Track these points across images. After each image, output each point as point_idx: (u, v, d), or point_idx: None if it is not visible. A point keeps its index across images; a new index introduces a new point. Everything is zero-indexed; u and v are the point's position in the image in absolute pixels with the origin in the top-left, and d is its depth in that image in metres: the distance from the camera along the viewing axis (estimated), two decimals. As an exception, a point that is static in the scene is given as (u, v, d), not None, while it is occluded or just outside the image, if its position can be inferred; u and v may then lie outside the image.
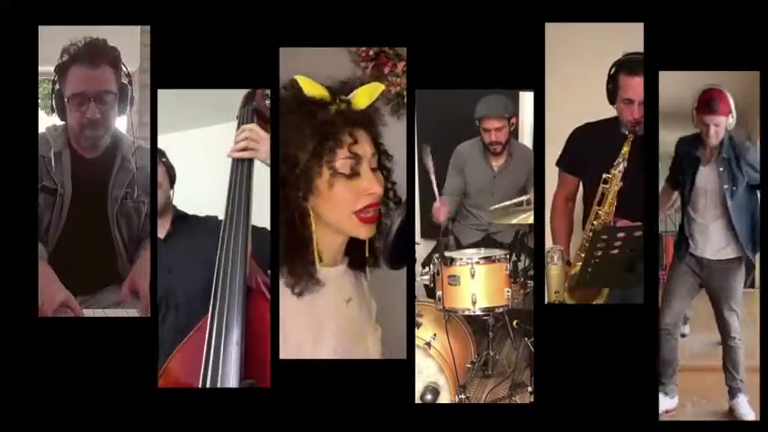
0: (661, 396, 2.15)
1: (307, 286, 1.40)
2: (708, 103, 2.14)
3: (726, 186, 2.17)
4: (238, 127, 1.79)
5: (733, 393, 2.23)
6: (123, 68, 2.00)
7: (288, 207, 1.40)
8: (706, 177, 2.20)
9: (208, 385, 1.56)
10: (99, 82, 1.97)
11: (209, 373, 1.56)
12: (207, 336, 1.58)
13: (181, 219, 2.16)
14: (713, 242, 2.22)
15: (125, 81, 2.01)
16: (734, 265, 2.22)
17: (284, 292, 1.41)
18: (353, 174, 1.38)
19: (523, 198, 2.54)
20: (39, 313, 1.94)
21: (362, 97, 1.44)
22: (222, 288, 1.62)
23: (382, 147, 1.48)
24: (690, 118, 2.19)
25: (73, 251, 1.99)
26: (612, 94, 2.19)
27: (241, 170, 1.74)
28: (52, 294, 1.93)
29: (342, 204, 1.39)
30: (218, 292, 1.62)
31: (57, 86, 1.97)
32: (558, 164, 2.30)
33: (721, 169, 2.18)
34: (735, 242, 2.19)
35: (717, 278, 2.24)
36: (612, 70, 2.18)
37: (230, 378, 1.56)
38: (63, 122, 2.03)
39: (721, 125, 2.15)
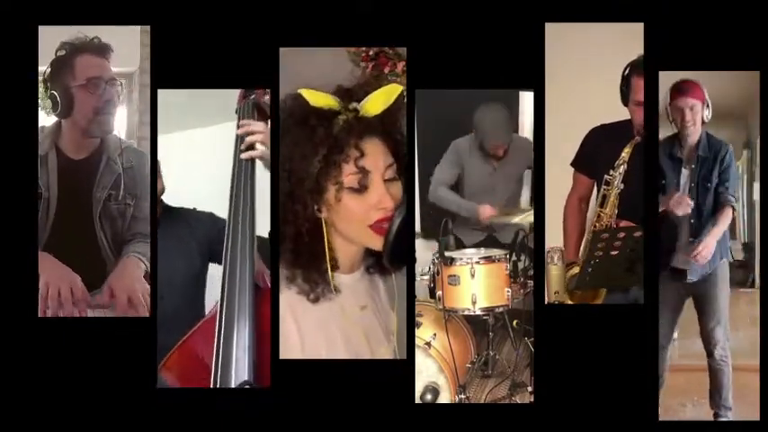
0: None
1: (323, 293, 1.38)
2: (679, 87, 2.10)
3: (692, 185, 2.13)
4: (239, 121, 1.78)
5: (717, 418, 2.20)
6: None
7: (296, 221, 1.36)
8: (687, 179, 2.16)
9: (218, 385, 1.55)
10: (108, 69, 2.03)
11: (220, 372, 1.55)
12: (216, 336, 1.57)
13: (165, 214, 2.07)
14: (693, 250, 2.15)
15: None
16: (719, 271, 2.18)
17: (300, 299, 1.38)
18: (362, 188, 1.34)
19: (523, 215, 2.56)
20: (40, 312, 1.93)
21: (375, 103, 1.36)
22: (230, 287, 1.61)
23: (403, 150, 1.44)
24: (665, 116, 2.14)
25: (60, 255, 1.97)
26: (625, 95, 2.17)
27: (244, 168, 1.72)
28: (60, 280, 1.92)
29: (354, 217, 1.35)
30: (227, 291, 1.61)
31: (56, 79, 1.98)
32: (573, 164, 2.29)
33: (693, 167, 2.13)
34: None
35: (700, 289, 2.19)
36: (626, 71, 2.15)
37: (241, 377, 1.55)
38: (52, 123, 2.04)
39: (697, 110, 2.10)
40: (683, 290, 2.21)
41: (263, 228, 1.78)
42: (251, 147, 1.72)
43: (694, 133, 2.14)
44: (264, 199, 1.80)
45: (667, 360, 2.21)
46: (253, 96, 1.82)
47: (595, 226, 2.17)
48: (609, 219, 2.16)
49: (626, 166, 2.12)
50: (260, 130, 1.73)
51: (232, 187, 1.71)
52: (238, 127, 1.76)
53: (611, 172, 2.14)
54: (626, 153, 2.13)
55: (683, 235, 2.17)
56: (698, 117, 2.12)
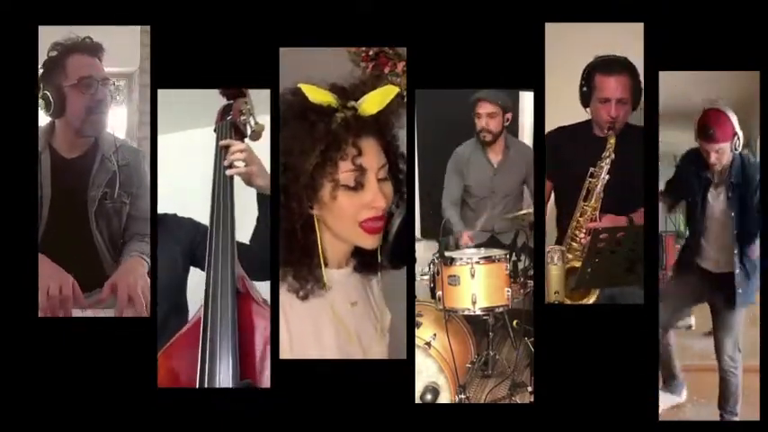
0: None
1: (312, 290, 1.39)
2: (705, 129, 2.05)
3: (733, 215, 2.08)
4: (217, 140, 1.81)
5: (722, 419, 2.20)
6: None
7: (290, 217, 1.37)
8: (714, 201, 2.13)
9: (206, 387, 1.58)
10: (100, 69, 2.02)
11: (206, 378, 1.57)
12: (201, 341, 1.60)
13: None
14: (720, 263, 2.15)
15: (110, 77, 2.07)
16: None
17: (289, 297, 1.39)
18: (358, 186, 1.34)
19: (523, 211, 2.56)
20: (40, 312, 1.93)
21: (372, 103, 1.37)
22: (214, 293, 1.63)
23: (398, 150, 1.44)
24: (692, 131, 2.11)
25: (55, 255, 1.96)
26: (587, 96, 2.20)
27: (224, 179, 1.75)
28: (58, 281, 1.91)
29: (345, 215, 1.36)
30: (210, 297, 1.63)
31: (48, 79, 1.98)
32: None
33: (730, 195, 2.10)
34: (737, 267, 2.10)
35: (718, 295, 2.17)
36: (586, 73, 2.19)
37: (226, 380, 1.58)
38: (46, 123, 2.04)
39: (723, 151, 2.06)
40: (702, 289, 2.20)
41: (241, 234, 1.81)
42: (231, 164, 1.76)
43: (722, 164, 2.10)
44: (243, 207, 1.81)
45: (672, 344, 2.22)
46: (230, 117, 1.84)
47: (578, 221, 2.17)
48: (593, 212, 2.16)
49: (613, 155, 2.13)
50: (242, 149, 1.77)
51: (213, 197, 1.74)
52: (218, 145, 1.79)
53: (599, 163, 2.15)
54: (612, 142, 2.14)
55: (718, 239, 2.14)
56: (724, 157, 2.07)
